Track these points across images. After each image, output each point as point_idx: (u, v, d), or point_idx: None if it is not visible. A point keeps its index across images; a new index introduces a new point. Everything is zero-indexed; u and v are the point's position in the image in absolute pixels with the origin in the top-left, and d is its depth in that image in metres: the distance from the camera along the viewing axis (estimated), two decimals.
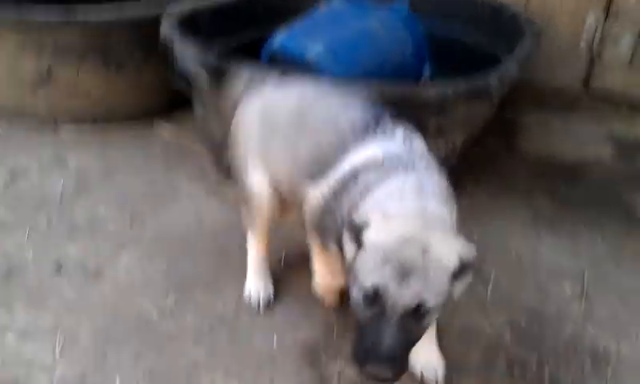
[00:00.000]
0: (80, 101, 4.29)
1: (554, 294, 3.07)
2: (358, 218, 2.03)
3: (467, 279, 2.02)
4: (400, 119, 2.38)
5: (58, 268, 3.09)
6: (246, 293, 2.91)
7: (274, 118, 2.59)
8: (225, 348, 2.68)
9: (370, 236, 1.96)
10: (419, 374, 2.56)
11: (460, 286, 2.01)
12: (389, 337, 1.89)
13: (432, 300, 1.90)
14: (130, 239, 3.31)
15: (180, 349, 2.66)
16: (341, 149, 2.30)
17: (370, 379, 1.94)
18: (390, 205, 2.06)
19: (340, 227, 2.15)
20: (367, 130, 2.30)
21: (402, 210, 2.03)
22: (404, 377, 2.01)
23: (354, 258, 2.01)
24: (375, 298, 1.91)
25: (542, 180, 4.00)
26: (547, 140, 4.46)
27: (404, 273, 1.87)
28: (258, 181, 2.66)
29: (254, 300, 2.89)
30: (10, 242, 3.25)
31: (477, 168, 3.98)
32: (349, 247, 2.04)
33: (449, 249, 1.94)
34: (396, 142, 2.27)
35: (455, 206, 2.21)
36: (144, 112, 4.44)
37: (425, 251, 1.89)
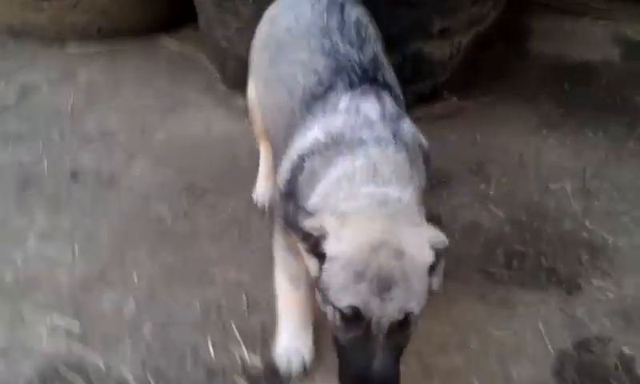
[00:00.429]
0: (84, 15, 4.30)
1: (554, 191, 3.16)
2: (311, 226, 1.77)
3: (442, 267, 1.83)
4: (361, 77, 2.13)
5: (74, 176, 3.20)
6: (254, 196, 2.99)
7: (270, 39, 2.46)
8: (237, 245, 2.80)
9: (331, 248, 1.74)
10: None
11: (437, 278, 1.83)
12: (379, 359, 1.70)
13: (417, 306, 1.73)
14: (142, 148, 3.40)
15: (194, 247, 2.79)
16: (291, 124, 2.12)
17: None
18: (341, 199, 1.82)
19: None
20: (314, 101, 2.08)
21: (357, 204, 1.79)
22: None
23: (319, 274, 1.79)
24: (356, 318, 1.70)
25: (550, 83, 4.01)
26: (557, 43, 4.45)
27: (383, 286, 1.67)
28: (251, 98, 2.66)
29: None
30: (25, 153, 3.35)
31: (485, 72, 4.00)
32: (309, 261, 1.82)
33: (421, 243, 1.75)
34: (338, 116, 2.00)
35: (422, 168, 2.04)
36: (150, 26, 4.45)
37: (399, 255, 1.70)
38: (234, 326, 2.45)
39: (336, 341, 1.81)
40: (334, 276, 1.72)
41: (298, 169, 1.98)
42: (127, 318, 2.48)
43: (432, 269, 1.77)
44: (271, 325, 2.38)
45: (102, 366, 2.31)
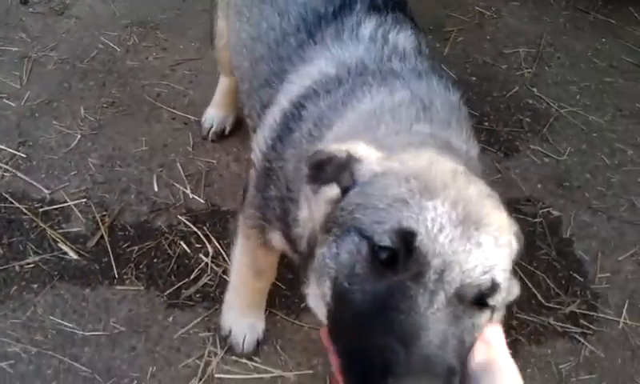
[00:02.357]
0: None
1: (508, 55, 3.18)
2: (331, 151, 1.23)
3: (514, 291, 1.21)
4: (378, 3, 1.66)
5: (25, 2, 3.10)
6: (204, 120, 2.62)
7: None
8: (186, 84, 2.80)
9: (369, 168, 1.19)
10: None
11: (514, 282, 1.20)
12: (435, 326, 1.02)
13: (504, 282, 1.11)
14: None
15: (143, 84, 2.78)
16: (280, 58, 1.66)
17: None
18: (382, 134, 1.34)
19: (285, 198, 1.45)
20: (320, 25, 1.62)
21: (408, 141, 1.30)
22: None
23: (335, 205, 1.20)
24: (406, 252, 1.06)
25: None
26: None
27: (466, 216, 1.08)
28: (220, 34, 2.24)
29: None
30: None
31: None
32: (321, 198, 1.24)
33: (504, 220, 1.17)
34: (357, 45, 1.56)
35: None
36: None
37: (486, 194, 1.16)
38: (179, 164, 2.50)
39: (341, 309, 1.12)
40: (378, 191, 1.14)
41: (292, 120, 1.51)
42: (73, 150, 2.50)
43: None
44: (214, 169, 2.43)
45: (46, 194, 2.35)
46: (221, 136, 2.59)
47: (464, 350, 1.06)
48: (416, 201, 1.08)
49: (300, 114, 1.50)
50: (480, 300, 1.07)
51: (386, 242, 1.07)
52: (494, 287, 1.07)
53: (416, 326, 1.00)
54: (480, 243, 1.06)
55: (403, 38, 1.59)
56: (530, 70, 3.11)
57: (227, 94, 2.57)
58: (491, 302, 1.08)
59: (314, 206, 1.26)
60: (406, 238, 1.05)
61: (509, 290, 1.15)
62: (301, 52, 1.62)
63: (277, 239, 1.57)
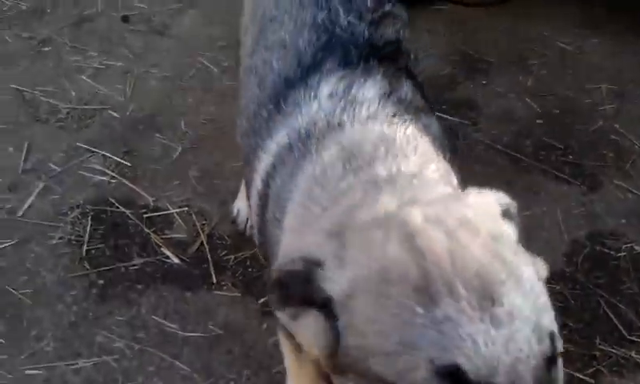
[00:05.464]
0: None
1: (589, 90, 3.22)
2: (280, 265, 1.06)
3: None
4: (366, 52, 1.48)
5: (126, 20, 3.30)
6: None
7: (257, 11, 1.82)
8: None
9: (337, 278, 0.97)
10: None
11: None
12: None
13: (552, 321, 0.97)
14: (193, 1, 3.47)
15: (237, 103, 2.91)
16: (255, 133, 1.52)
17: None
18: (316, 215, 1.19)
19: None
20: (288, 91, 1.45)
21: (346, 202, 1.14)
22: None
23: (335, 345, 0.98)
24: None
25: None
26: None
27: (480, 293, 0.89)
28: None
29: None
30: None
31: None
32: (304, 334, 1.03)
33: (486, 206, 1.08)
34: (314, 104, 1.38)
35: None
36: None
37: (469, 229, 0.97)
38: None
39: None
40: (369, 326, 0.92)
41: (262, 205, 1.39)
42: (175, 161, 2.66)
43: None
44: None
45: (150, 201, 2.50)
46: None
47: None
48: (425, 320, 0.86)
49: (266, 195, 1.35)
50: (551, 360, 0.93)
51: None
52: (553, 343, 0.93)
53: None
54: (509, 311, 0.88)
55: (369, 87, 1.38)
56: (612, 106, 3.14)
57: None
58: (558, 349, 0.95)
59: (301, 337, 1.03)
60: (452, 376, 0.85)
61: (537, 272, 1.01)
62: (270, 124, 1.45)
63: None
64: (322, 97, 1.37)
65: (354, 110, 1.32)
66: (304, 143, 1.31)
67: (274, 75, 1.52)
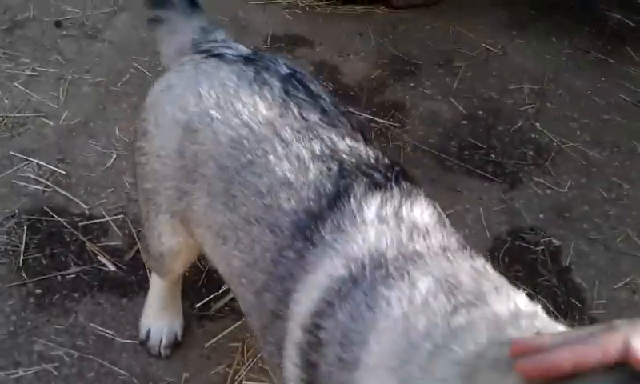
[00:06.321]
0: None
1: (512, 91, 3.39)
2: None
3: None
4: (389, 174, 1.41)
5: (58, 25, 3.29)
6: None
7: (206, 140, 1.51)
8: None
9: None
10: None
11: None
12: None
13: None
14: (125, 3, 3.48)
15: None
16: (282, 288, 1.37)
17: None
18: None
19: None
20: (315, 223, 1.34)
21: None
22: None
23: None
24: None
25: None
26: None
27: None
28: (172, 246, 1.80)
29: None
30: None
31: None
32: None
33: None
34: (365, 229, 1.29)
35: None
36: None
37: None
38: None
39: None
40: None
41: (310, 351, 1.23)
42: (109, 168, 2.68)
43: None
44: None
45: (85, 209, 2.53)
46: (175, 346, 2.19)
47: None
48: None
49: (318, 338, 1.20)
50: None
51: None
52: None
53: None
54: None
55: (419, 212, 1.33)
56: (533, 106, 3.31)
57: (170, 298, 2.16)
58: None
59: None
60: None
61: None
62: (301, 262, 1.32)
63: None
64: (372, 222, 1.29)
65: (423, 237, 1.27)
66: (374, 275, 1.20)
67: (290, 215, 1.38)
